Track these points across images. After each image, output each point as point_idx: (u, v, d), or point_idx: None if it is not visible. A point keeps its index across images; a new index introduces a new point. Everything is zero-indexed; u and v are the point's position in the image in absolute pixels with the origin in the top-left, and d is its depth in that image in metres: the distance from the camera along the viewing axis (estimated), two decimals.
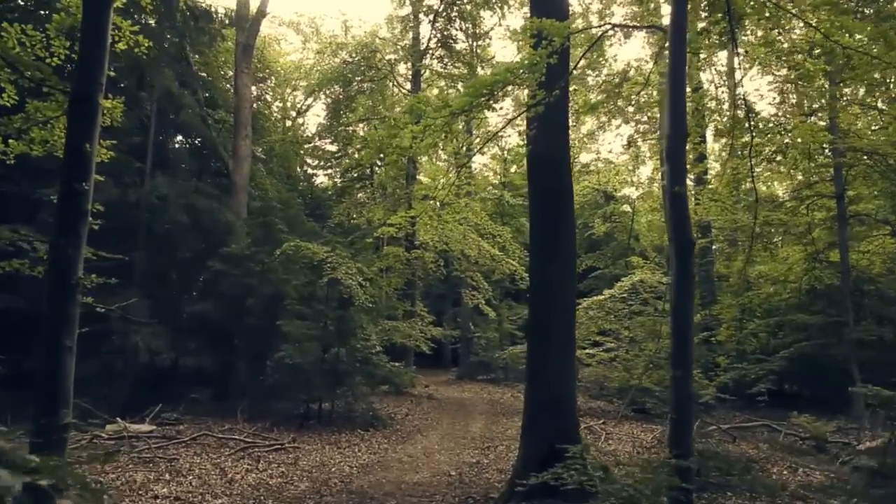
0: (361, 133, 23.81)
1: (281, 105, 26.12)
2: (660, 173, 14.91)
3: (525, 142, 7.00)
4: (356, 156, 18.60)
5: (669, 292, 6.03)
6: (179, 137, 15.16)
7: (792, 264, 14.04)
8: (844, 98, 12.98)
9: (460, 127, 7.04)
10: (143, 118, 13.41)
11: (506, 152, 27.33)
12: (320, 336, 10.62)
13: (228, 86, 17.83)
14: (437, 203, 9.82)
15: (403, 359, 15.85)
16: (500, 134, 26.11)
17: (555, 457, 6.27)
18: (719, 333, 13.85)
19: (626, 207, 20.74)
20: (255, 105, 22.21)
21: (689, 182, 15.79)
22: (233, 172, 14.67)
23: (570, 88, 8.44)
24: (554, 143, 6.96)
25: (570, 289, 6.74)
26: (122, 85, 13.79)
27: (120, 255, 11.67)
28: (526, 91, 7.45)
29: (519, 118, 7.79)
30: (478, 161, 27.72)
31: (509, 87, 7.08)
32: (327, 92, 20.94)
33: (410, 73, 19.18)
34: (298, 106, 27.30)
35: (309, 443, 9.06)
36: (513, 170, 29.05)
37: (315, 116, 45.74)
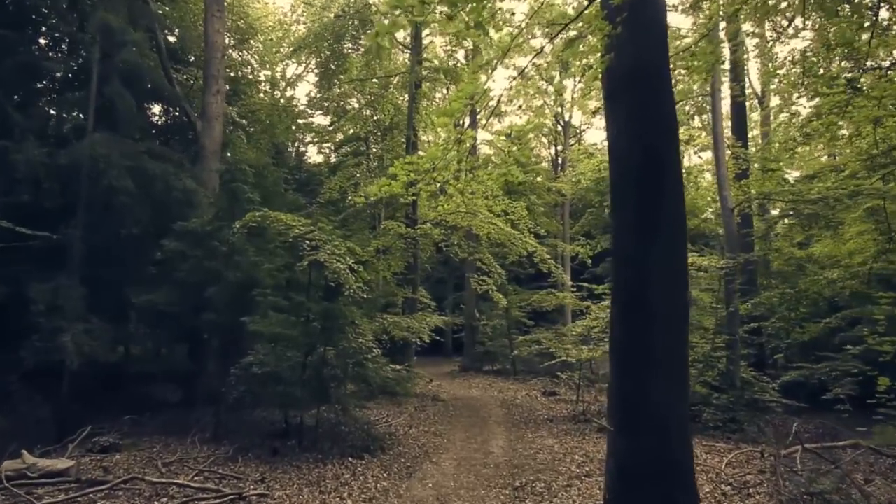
0: (356, 104, 20.81)
1: (269, 74, 22.91)
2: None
3: (602, 52, 4.18)
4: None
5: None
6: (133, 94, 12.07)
7: (856, 245, 11.42)
8: None
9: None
10: (88, 67, 10.40)
11: (511, 129, 24.46)
12: (301, 335, 7.89)
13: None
14: (446, 167, 7.10)
15: (404, 354, 13.15)
16: (504, 110, 23.26)
17: None
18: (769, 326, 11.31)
19: None
20: (239, 72, 19.14)
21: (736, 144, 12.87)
22: (201, 135, 11.72)
23: None
24: (652, 49, 4.18)
25: (681, 282, 4.04)
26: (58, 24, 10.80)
27: (47, 231, 8.91)
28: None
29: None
30: (480, 138, 24.88)
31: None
32: (318, 55, 17.84)
33: (410, 26, 16.10)
34: (289, 77, 24.18)
35: (282, 482, 6.39)
36: (515, 149, 26.28)
37: (307, 84, 42.08)
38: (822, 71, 6.52)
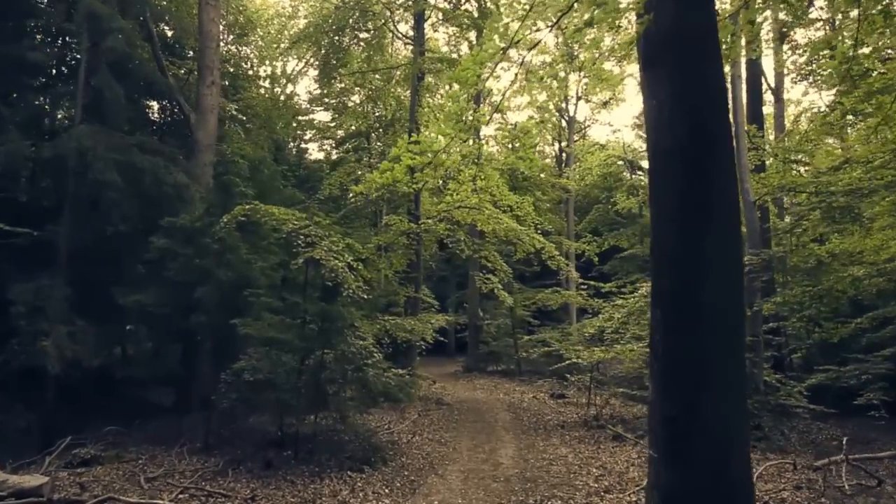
0: (357, 99, 20.17)
1: (269, 70, 22.26)
2: None
3: (641, 11, 3.52)
4: None
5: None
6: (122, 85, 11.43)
7: (881, 241, 10.68)
8: None
9: None
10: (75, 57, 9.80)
11: (516, 126, 23.76)
12: (297, 338, 7.24)
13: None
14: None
15: (406, 357, 12.50)
16: (508, 105, 22.58)
17: None
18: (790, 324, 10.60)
19: None
20: (238, 68, 18.50)
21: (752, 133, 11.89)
22: (195, 128, 11.09)
23: None
24: (696, 7, 3.51)
25: (737, 280, 3.37)
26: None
27: (34, 228, 8.31)
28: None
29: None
30: (483, 134, 24.18)
31: None
32: (318, 48, 17.16)
33: (412, 17, 15.40)
34: (289, 73, 23.54)
35: (274, 499, 5.75)
36: (518, 144, 25.56)
37: (307, 78, 41.36)
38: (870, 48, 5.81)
